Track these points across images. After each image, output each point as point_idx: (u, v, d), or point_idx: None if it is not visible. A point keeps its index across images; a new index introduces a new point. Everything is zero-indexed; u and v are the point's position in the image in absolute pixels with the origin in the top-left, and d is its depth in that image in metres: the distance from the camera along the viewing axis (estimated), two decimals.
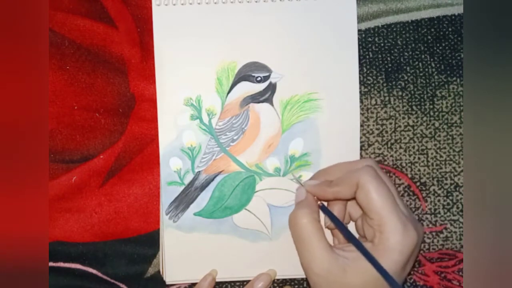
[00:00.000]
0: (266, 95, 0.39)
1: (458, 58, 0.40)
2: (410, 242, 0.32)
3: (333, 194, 0.35)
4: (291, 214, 0.35)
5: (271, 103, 0.39)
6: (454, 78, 0.40)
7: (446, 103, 0.40)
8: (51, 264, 0.40)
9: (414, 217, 0.35)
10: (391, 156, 0.40)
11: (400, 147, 0.40)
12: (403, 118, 0.40)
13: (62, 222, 0.40)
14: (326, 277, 0.32)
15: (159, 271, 0.40)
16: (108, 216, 0.40)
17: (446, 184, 0.40)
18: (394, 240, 0.32)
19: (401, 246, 0.32)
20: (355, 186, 0.33)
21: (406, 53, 0.40)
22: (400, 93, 0.40)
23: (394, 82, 0.40)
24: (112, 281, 0.40)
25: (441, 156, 0.40)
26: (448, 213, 0.40)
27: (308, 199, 0.36)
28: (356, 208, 0.36)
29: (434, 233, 0.40)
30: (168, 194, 0.39)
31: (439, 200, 0.40)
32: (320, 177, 0.37)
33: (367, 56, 0.40)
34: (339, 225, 0.35)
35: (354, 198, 0.34)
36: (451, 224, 0.40)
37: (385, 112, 0.40)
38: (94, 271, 0.40)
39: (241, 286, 0.41)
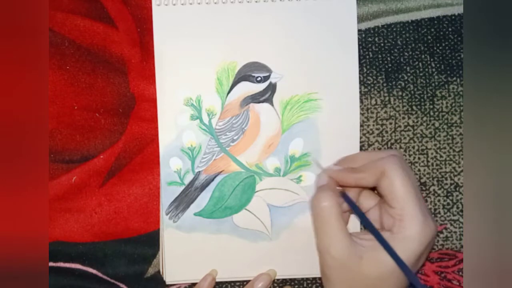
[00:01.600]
0: (266, 95, 0.39)
1: (458, 58, 0.40)
2: (429, 233, 0.32)
3: (356, 180, 0.35)
4: (313, 196, 0.35)
5: (271, 103, 0.39)
6: (454, 78, 0.40)
7: (446, 103, 0.40)
8: (51, 264, 0.40)
9: (430, 211, 0.35)
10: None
11: (400, 147, 0.40)
12: (403, 118, 0.40)
13: (62, 222, 0.40)
14: (342, 261, 0.33)
15: (159, 271, 0.40)
16: (108, 216, 0.40)
17: (446, 184, 0.40)
18: (414, 230, 0.32)
19: (420, 236, 0.32)
20: (379, 174, 0.33)
21: (406, 53, 0.40)
22: (400, 93, 0.40)
23: (394, 82, 0.40)
24: (112, 281, 0.40)
25: (441, 156, 0.40)
26: (448, 213, 0.40)
27: (330, 183, 0.36)
28: (369, 199, 0.37)
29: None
30: (168, 194, 0.39)
31: (439, 200, 0.40)
32: (343, 164, 0.37)
33: (367, 56, 0.40)
34: (358, 212, 0.35)
35: (373, 188, 0.35)
36: (451, 224, 0.40)
37: (385, 112, 0.40)
38: (94, 271, 0.40)
39: (241, 286, 0.41)
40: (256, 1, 0.39)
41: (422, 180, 0.40)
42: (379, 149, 0.40)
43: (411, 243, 0.32)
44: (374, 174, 0.34)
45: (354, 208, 0.35)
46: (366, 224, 0.34)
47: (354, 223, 0.39)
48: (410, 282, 0.32)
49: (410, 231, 0.32)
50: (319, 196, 0.34)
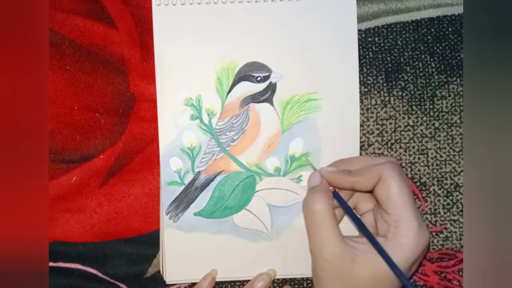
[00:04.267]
0: (266, 95, 0.39)
1: (458, 58, 0.40)
2: (423, 241, 0.32)
3: (351, 183, 0.34)
4: (305, 198, 0.35)
5: (271, 103, 0.39)
6: (454, 78, 0.40)
7: (446, 103, 0.40)
8: (51, 264, 0.40)
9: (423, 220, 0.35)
10: (391, 156, 0.40)
11: (400, 147, 0.40)
12: (403, 118, 0.40)
13: (62, 222, 0.40)
14: (334, 264, 0.33)
15: (159, 271, 0.40)
16: (108, 216, 0.40)
17: (446, 184, 0.40)
18: (410, 238, 0.32)
19: (415, 244, 0.32)
20: (376, 179, 0.33)
21: (406, 53, 0.40)
22: (400, 93, 0.40)
23: (394, 82, 0.40)
24: (112, 281, 0.40)
25: (441, 156, 0.40)
26: (448, 213, 0.40)
27: (323, 184, 0.36)
28: (367, 202, 0.37)
29: (434, 233, 0.40)
30: (168, 194, 0.39)
31: (439, 200, 0.40)
32: (339, 166, 0.37)
33: (367, 56, 0.40)
34: (351, 214, 0.35)
35: (368, 192, 0.35)
36: (451, 224, 0.40)
37: (385, 112, 0.40)
38: (94, 271, 0.40)
39: (241, 286, 0.41)
40: (256, 1, 0.39)
41: (422, 180, 0.40)
42: (379, 149, 0.40)
43: (405, 251, 0.32)
44: (371, 178, 0.34)
45: (347, 209, 0.35)
46: (359, 226, 0.34)
47: (351, 226, 0.39)
48: (403, 286, 0.33)
49: (406, 239, 0.32)
50: (312, 197, 0.34)
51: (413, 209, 0.33)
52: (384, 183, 0.33)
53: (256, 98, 0.39)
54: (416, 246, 0.32)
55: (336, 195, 0.36)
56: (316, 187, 0.35)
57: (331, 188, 0.36)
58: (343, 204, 0.35)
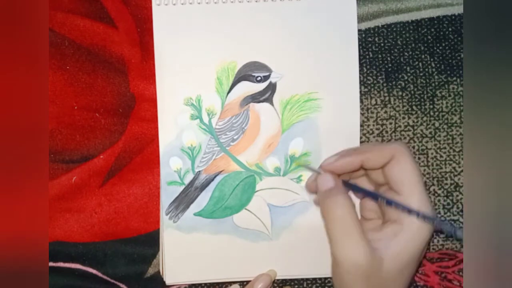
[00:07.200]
0: (266, 95, 0.39)
1: (458, 58, 0.40)
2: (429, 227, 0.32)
3: (361, 160, 0.33)
4: (324, 203, 0.33)
5: (271, 103, 0.39)
6: (454, 78, 0.40)
7: (446, 103, 0.40)
8: (51, 264, 0.40)
9: None
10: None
11: None
12: (403, 118, 0.40)
13: (62, 222, 0.40)
14: (364, 270, 0.31)
15: (159, 271, 0.40)
16: (108, 216, 0.40)
17: (446, 184, 0.40)
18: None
19: (427, 225, 0.32)
20: (388, 157, 0.33)
21: (406, 53, 0.40)
22: (400, 93, 0.40)
23: (394, 82, 0.40)
24: (112, 281, 0.40)
25: (441, 156, 0.40)
26: (448, 213, 0.40)
27: (338, 185, 0.34)
28: (366, 184, 0.36)
29: (434, 233, 0.40)
30: (168, 194, 0.39)
31: (439, 200, 0.40)
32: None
33: (367, 56, 0.40)
34: (368, 193, 0.35)
35: (376, 169, 0.34)
36: (451, 224, 0.40)
37: (385, 112, 0.40)
38: (94, 271, 0.40)
39: (241, 286, 0.41)
40: (256, 1, 0.39)
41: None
42: None
43: (423, 232, 0.32)
44: (382, 156, 0.33)
45: (364, 192, 0.35)
46: (383, 198, 0.33)
47: None
48: (438, 229, 0.32)
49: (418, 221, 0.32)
50: (331, 202, 0.32)
51: (424, 190, 0.32)
52: (398, 162, 0.32)
53: (256, 98, 0.39)
54: (430, 228, 0.32)
55: (347, 184, 0.34)
56: (333, 190, 0.33)
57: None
58: (358, 189, 0.35)
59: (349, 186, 0.35)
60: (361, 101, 0.40)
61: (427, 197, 0.32)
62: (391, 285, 0.32)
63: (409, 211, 0.32)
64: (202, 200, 0.39)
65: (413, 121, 0.40)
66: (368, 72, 0.40)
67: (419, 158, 0.40)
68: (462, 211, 0.40)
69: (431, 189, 0.40)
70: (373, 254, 0.32)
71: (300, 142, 0.39)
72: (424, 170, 0.40)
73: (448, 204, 0.40)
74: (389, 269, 0.32)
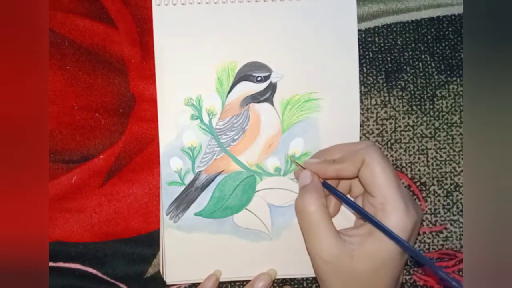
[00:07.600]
0: (267, 95, 0.39)
1: (458, 58, 0.40)
2: (411, 221, 0.32)
3: (336, 171, 0.34)
4: (298, 200, 0.35)
5: (272, 103, 0.39)
6: (454, 78, 0.40)
7: (446, 103, 0.40)
8: (51, 264, 0.40)
9: (412, 197, 0.36)
10: (391, 156, 0.40)
11: (400, 147, 0.40)
12: (403, 118, 0.40)
13: (62, 222, 0.40)
14: (334, 264, 0.33)
15: (159, 271, 0.40)
16: (108, 216, 0.40)
17: (446, 184, 0.40)
18: (396, 219, 0.32)
19: (403, 225, 0.32)
20: (360, 164, 0.33)
21: (406, 53, 0.40)
22: (400, 93, 0.40)
23: (394, 82, 0.40)
24: (112, 281, 0.40)
25: (441, 156, 0.40)
26: (448, 213, 0.40)
27: (315, 182, 0.35)
28: (357, 188, 0.37)
29: (434, 233, 0.40)
30: (168, 194, 0.39)
31: (439, 200, 0.40)
32: (320, 157, 0.37)
33: (367, 56, 0.40)
34: (345, 199, 0.35)
35: (354, 178, 0.35)
36: (451, 224, 0.40)
37: (385, 112, 0.40)
38: (94, 271, 0.40)
39: (241, 286, 0.41)
40: (256, 1, 0.39)
41: (422, 180, 0.40)
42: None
43: (399, 234, 0.32)
44: (355, 164, 0.34)
45: (338, 195, 0.35)
46: (356, 208, 0.34)
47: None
48: (411, 256, 0.32)
49: (393, 221, 0.32)
50: (304, 198, 0.34)
51: (398, 190, 0.32)
52: (368, 166, 0.33)
53: (256, 98, 0.39)
54: (404, 227, 0.32)
55: (326, 185, 0.36)
56: (308, 187, 0.35)
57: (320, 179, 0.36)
58: (334, 191, 0.35)
59: (329, 188, 0.36)
60: (361, 101, 0.40)
61: (401, 197, 0.32)
62: (367, 284, 0.33)
63: (383, 229, 0.32)
64: (203, 200, 0.39)
65: (413, 121, 0.40)
66: (368, 72, 0.40)
67: (419, 158, 0.40)
68: (462, 211, 0.40)
69: (431, 189, 0.40)
70: (341, 248, 0.32)
71: (300, 142, 0.39)
72: (424, 170, 0.40)
73: (448, 204, 0.40)
74: (361, 265, 0.32)
